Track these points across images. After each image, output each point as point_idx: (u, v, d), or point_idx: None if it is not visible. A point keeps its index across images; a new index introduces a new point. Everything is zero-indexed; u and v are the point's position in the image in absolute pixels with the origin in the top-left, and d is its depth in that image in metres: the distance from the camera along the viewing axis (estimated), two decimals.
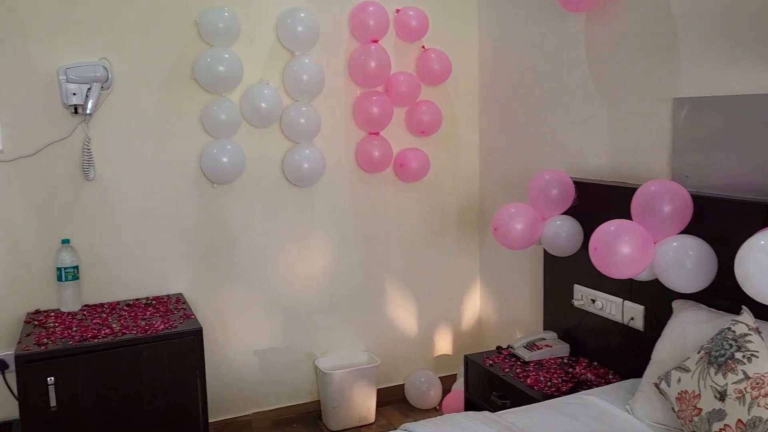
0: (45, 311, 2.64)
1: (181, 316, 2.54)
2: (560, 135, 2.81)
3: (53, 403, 2.20)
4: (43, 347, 2.23)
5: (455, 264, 3.45)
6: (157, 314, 2.57)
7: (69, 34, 2.60)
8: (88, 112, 2.61)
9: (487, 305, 3.47)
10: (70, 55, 2.60)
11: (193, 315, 2.57)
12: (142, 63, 2.72)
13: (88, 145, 2.65)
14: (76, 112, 2.59)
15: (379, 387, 3.29)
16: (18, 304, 2.63)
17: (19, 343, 2.29)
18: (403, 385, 3.38)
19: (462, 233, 3.44)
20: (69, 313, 2.61)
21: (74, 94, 2.55)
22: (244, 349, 3.05)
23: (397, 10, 3.09)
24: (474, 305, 3.53)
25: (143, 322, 2.46)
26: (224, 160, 2.80)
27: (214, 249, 2.94)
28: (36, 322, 2.50)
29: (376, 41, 3.01)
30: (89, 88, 2.59)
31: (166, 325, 2.44)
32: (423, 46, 3.18)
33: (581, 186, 2.55)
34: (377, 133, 3.10)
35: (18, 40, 2.54)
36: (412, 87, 3.10)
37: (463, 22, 3.30)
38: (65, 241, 2.64)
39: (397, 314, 3.36)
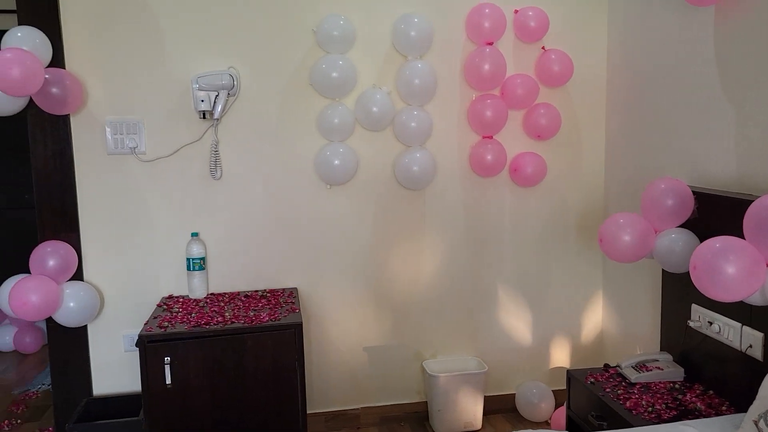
0: (176, 297, 2.93)
1: (287, 310, 2.69)
2: (684, 140, 2.58)
3: (168, 380, 2.44)
4: (163, 329, 2.48)
5: (575, 274, 3.30)
6: (268, 306, 2.74)
7: (202, 46, 2.85)
8: (215, 117, 2.85)
9: (610, 319, 3.28)
10: (202, 65, 2.85)
11: (298, 309, 2.71)
12: (265, 71, 2.91)
13: (216, 147, 2.90)
14: (204, 117, 2.84)
15: (488, 394, 3.24)
16: (156, 288, 2.94)
17: (145, 324, 2.57)
18: (514, 394, 3.30)
19: (583, 242, 3.28)
20: (194, 300, 2.87)
21: (202, 100, 2.80)
22: (354, 345, 3.15)
23: (516, 11, 3.02)
24: (595, 318, 3.35)
25: (252, 313, 2.65)
26: (336, 162, 2.91)
27: (328, 247, 3.07)
28: (165, 306, 2.78)
29: (491, 43, 2.96)
30: (216, 95, 2.83)
31: (271, 317, 2.59)
32: (543, 47, 3.07)
33: (702, 197, 2.33)
34: (491, 137, 3.05)
35: (160, 53, 2.83)
36: (529, 89, 3.01)
37: (590, 22, 3.14)
38: (194, 234, 2.91)
39: (510, 322, 3.28)
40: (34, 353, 4.29)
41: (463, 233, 3.17)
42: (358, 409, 3.20)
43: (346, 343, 3.14)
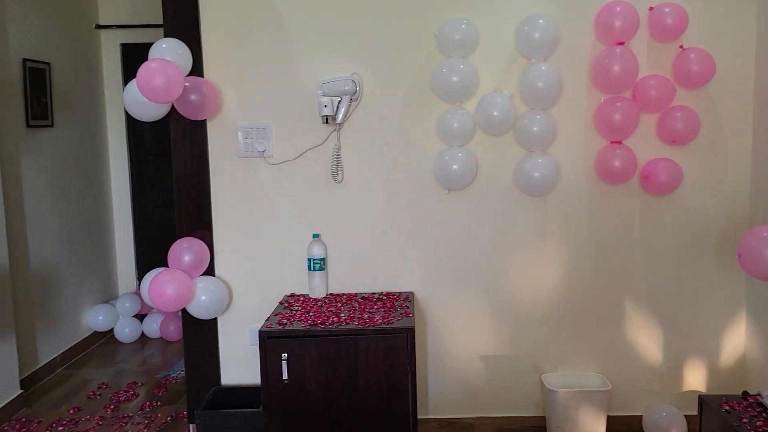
0: (297, 295, 3.04)
1: (401, 314, 2.70)
2: None
3: (285, 375, 2.54)
4: (281, 326, 2.59)
5: (714, 291, 3.03)
6: (383, 309, 2.77)
7: (327, 53, 2.94)
8: (338, 122, 2.93)
9: (754, 343, 2.98)
10: (327, 72, 2.94)
11: (412, 314, 2.71)
12: (386, 76, 2.95)
13: (338, 152, 2.98)
14: (327, 122, 2.93)
15: (612, 414, 3.06)
16: (279, 286, 3.08)
17: (266, 320, 2.69)
18: (641, 416, 3.09)
19: (725, 257, 3.01)
20: (314, 299, 2.96)
21: (325, 106, 2.88)
22: (470, 353, 3.10)
23: (651, 8, 2.83)
24: (737, 341, 3.06)
25: (366, 315, 2.68)
26: (455, 167, 2.88)
27: (446, 253, 3.05)
28: (286, 304, 2.90)
29: (622, 43, 2.80)
30: (339, 101, 2.90)
31: (385, 320, 2.62)
32: (681, 46, 2.86)
33: None
34: (620, 142, 2.89)
35: (288, 61, 2.95)
36: (664, 91, 2.81)
37: (737, 15, 2.88)
38: (315, 236, 3.01)
39: (638, 339, 3.08)
40: (177, 341, 4.63)
41: (587, 243, 3.03)
42: (472, 418, 3.14)
43: (461, 351, 3.10)
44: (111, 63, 4.91)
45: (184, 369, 4.05)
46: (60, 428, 3.30)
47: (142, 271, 5.08)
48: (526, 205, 3.01)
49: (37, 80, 4.01)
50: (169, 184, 5.01)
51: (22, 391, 3.57)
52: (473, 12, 2.89)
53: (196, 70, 2.90)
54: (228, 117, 3.00)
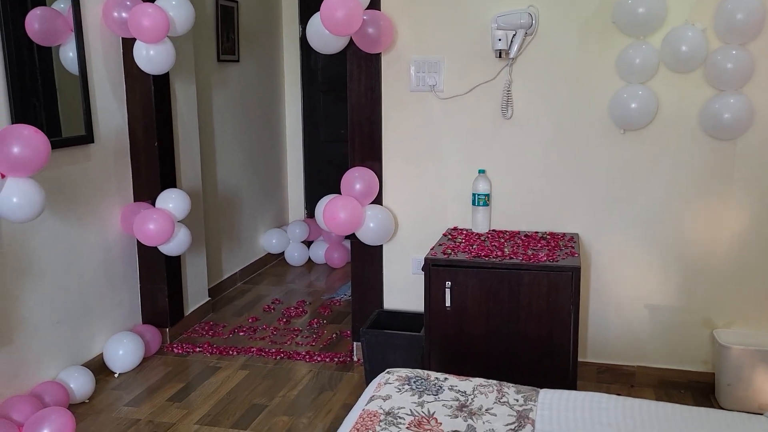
0: (460, 229, 3.10)
1: (565, 253, 2.67)
2: None
3: (448, 303, 2.63)
4: (446, 256, 2.67)
5: None
6: (546, 247, 2.75)
7: None
8: (511, 56, 2.88)
9: None
10: (502, 4, 2.89)
11: (577, 254, 2.67)
12: (564, 9, 2.84)
13: (508, 87, 2.94)
14: (500, 56, 2.89)
15: None
16: (442, 219, 3.15)
17: (432, 249, 2.78)
18: None
19: None
20: (477, 234, 3.00)
21: (500, 39, 2.84)
22: (634, 300, 3.01)
23: None
24: None
25: (530, 252, 2.68)
26: (633, 105, 2.74)
27: (616, 195, 2.94)
28: (450, 236, 2.97)
29: None
30: (514, 34, 2.85)
31: (549, 257, 2.60)
32: None
33: None
34: None
35: None
36: None
37: None
38: (481, 171, 3.02)
39: None
40: (340, 268, 4.92)
41: None
42: (633, 367, 3.07)
43: (625, 297, 3.01)
44: (288, 1, 5.15)
45: (347, 293, 4.33)
46: (241, 333, 3.69)
47: (310, 201, 5.42)
48: (710, 149, 2.80)
49: (226, 17, 4.32)
50: (337, 119, 5.24)
51: (209, 298, 4.01)
52: None
53: (374, 3, 2.98)
54: (401, 50, 3.06)
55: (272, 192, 5.14)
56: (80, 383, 2.86)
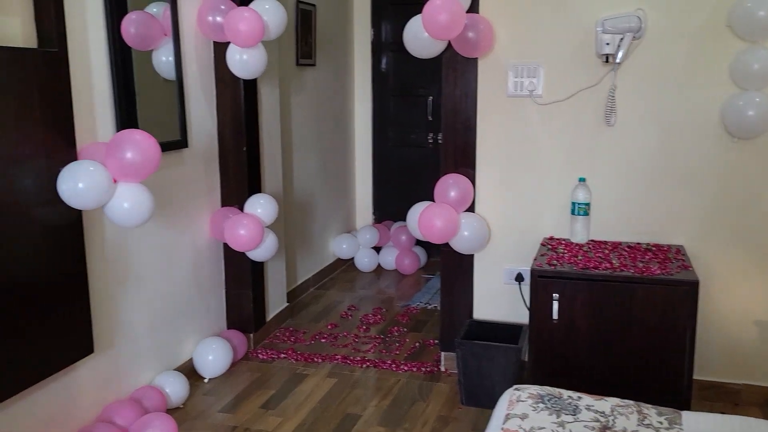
0: (557, 239, 3.01)
1: (678, 266, 2.56)
2: None
3: (555, 315, 2.54)
4: (552, 267, 2.58)
5: None
6: (656, 260, 2.65)
7: None
8: (617, 61, 2.78)
9: None
10: (608, 7, 2.79)
11: (691, 267, 2.56)
12: (675, 11, 2.74)
13: (612, 93, 2.84)
14: (606, 61, 2.80)
15: None
16: (537, 228, 3.06)
17: (534, 260, 2.70)
18: None
19: None
20: (576, 244, 2.91)
21: (607, 44, 2.75)
22: (743, 315, 2.87)
23: None
24: None
25: (641, 264, 2.58)
26: (750, 113, 2.62)
27: (726, 207, 2.82)
28: (549, 246, 2.88)
29: None
30: (621, 38, 2.75)
31: (663, 271, 2.50)
32: None
33: None
34: None
35: None
36: None
37: None
38: (581, 180, 2.93)
39: None
40: (410, 275, 4.86)
41: None
42: (739, 384, 2.93)
43: (733, 312, 2.88)
44: (361, 4, 5.12)
45: (422, 301, 4.27)
46: (323, 340, 3.65)
47: (377, 206, 5.37)
48: None
49: (305, 21, 4.30)
50: (407, 124, 5.19)
51: (288, 303, 3.99)
52: None
53: (473, 6, 2.91)
54: (499, 55, 2.99)
55: (342, 197, 5.11)
56: (175, 388, 2.86)
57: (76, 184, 2.19)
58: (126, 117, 2.69)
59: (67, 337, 2.35)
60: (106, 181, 2.26)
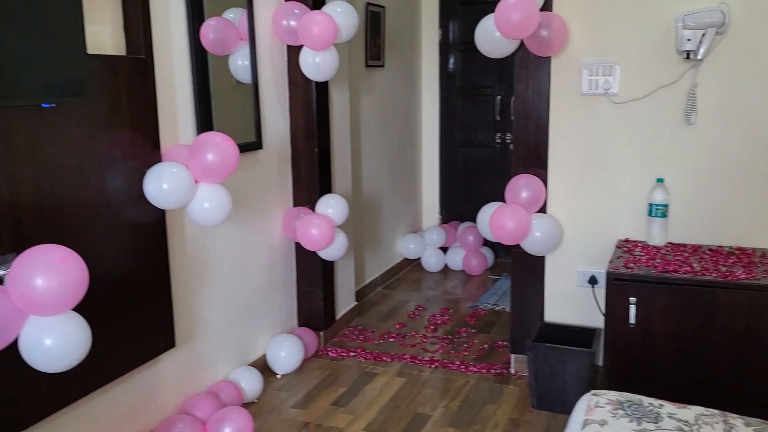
0: (633, 241, 2.93)
1: (765, 271, 2.46)
2: None
3: (632, 320, 2.48)
4: (629, 270, 2.52)
5: None
6: (740, 264, 2.55)
7: None
8: (698, 57, 2.69)
9: None
10: (690, 2, 2.70)
11: None
12: (761, 5, 2.62)
13: (693, 91, 2.75)
14: (687, 57, 2.71)
15: None
16: (611, 230, 2.99)
17: (610, 262, 2.64)
18: None
19: None
20: (654, 246, 2.83)
21: (688, 39, 2.66)
22: None
23: None
24: None
25: (724, 268, 2.49)
26: None
27: None
28: (625, 249, 2.81)
29: None
30: (703, 34, 2.66)
31: (748, 275, 2.40)
32: None
33: None
34: None
35: None
36: None
37: None
38: (659, 180, 2.85)
39: None
40: (477, 275, 4.83)
41: None
42: None
43: None
44: (429, 5, 5.12)
45: (489, 302, 4.24)
46: (391, 339, 3.68)
47: (444, 207, 5.36)
48: None
49: (374, 23, 4.34)
50: (474, 124, 5.17)
51: (356, 302, 4.03)
52: None
53: (547, 4, 2.87)
54: (573, 53, 2.93)
55: (409, 197, 5.13)
56: (250, 383, 2.94)
57: (161, 184, 2.28)
58: (206, 119, 2.78)
59: (151, 332, 2.46)
60: (188, 181, 2.34)
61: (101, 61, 2.17)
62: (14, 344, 1.68)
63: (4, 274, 1.69)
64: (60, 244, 1.73)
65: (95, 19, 2.22)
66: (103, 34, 2.27)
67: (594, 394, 1.87)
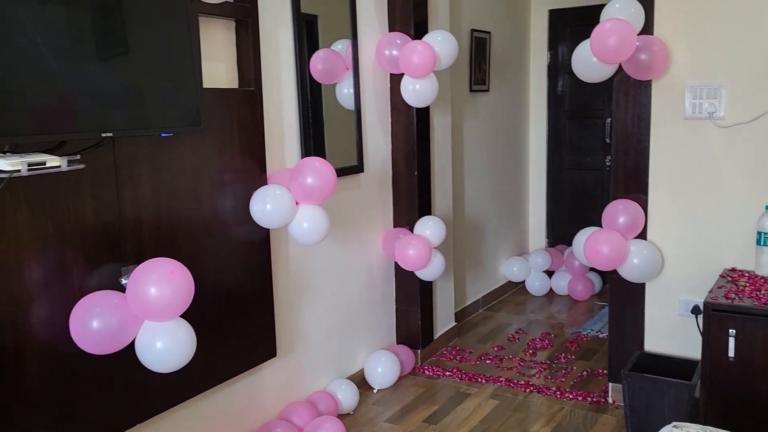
0: (740, 270, 2.79)
1: None
2: None
3: (731, 353, 2.38)
4: (730, 301, 2.42)
5: None
6: None
7: None
8: None
9: None
10: None
11: None
12: None
13: None
14: None
15: None
16: (716, 258, 2.87)
17: (710, 292, 2.54)
18: None
19: None
20: (762, 277, 2.68)
21: None
22: None
23: None
24: None
25: None
26: None
27: None
28: (729, 278, 2.69)
29: None
30: None
31: None
32: None
33: None
34: None
35: (751, 15, 2.67)
36: None
37: None
38: None
39: None
40: (583, 301, 4.73)
41: None
42: None
43: None
44: (538, 29, 5.13)
45: (593, 328, 4.15)
46: (488, 361, 3.70)
47: (551, 229, 5.30)
48: None
49: (479, 49, 4.42)
50: (583, 146, 5.09)
51: (455, 323, 4.09)
52: None
53: (647, 27, 2.83)
54: (675, 76, 2.87)
55: (514, 219, 5.13)
56: (347, 395, 3.08)
57: (265, 205, 2.50)
58: (310, 145, 2.99)
59: (255, 341, 2.66)
60: (289, 203, 2.54)
61: (215, 93, 2.41)
62: (131, 346, 1.91)
63: (126, 283, 1.94)
64: (175, 259, 1.95)
65: (213, 57, 2.48)
66: (219, 69, 2.53)
67: (675, 426, 1.83)
